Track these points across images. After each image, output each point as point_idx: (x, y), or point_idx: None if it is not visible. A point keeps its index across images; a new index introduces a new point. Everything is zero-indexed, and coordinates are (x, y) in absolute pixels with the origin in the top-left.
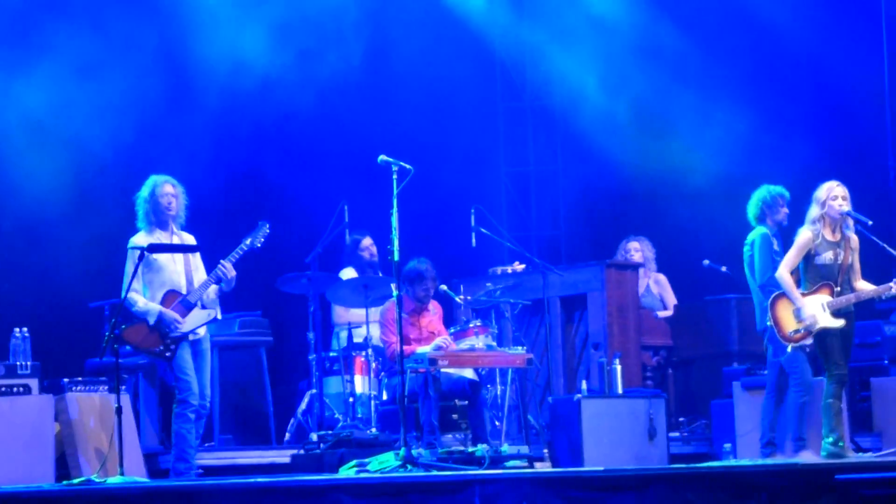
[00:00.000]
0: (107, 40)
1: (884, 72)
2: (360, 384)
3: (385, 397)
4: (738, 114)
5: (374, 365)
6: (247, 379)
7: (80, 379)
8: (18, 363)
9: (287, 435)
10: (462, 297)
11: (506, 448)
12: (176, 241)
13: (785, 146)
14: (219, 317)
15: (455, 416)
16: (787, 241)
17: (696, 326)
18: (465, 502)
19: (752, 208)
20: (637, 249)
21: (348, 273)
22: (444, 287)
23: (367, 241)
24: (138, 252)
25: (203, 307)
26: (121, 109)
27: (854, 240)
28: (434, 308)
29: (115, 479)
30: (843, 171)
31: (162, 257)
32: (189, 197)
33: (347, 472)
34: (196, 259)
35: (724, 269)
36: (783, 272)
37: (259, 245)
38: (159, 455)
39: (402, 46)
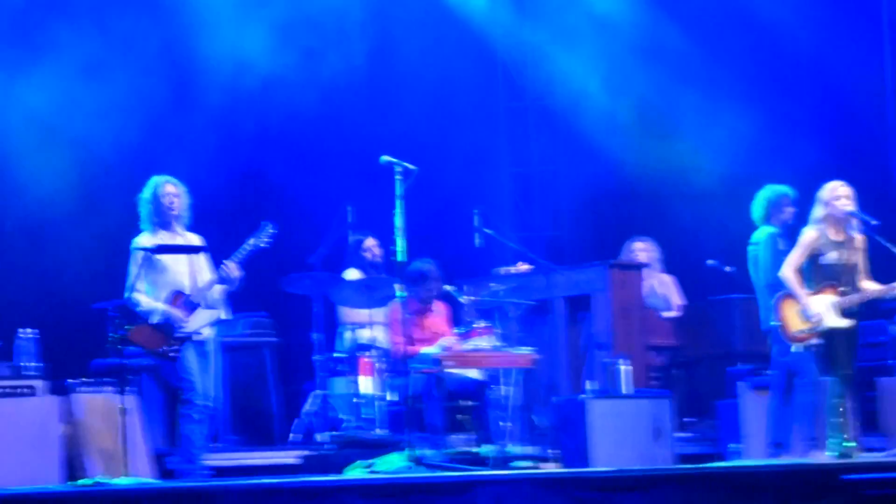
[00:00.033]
0: (110, 40)
1: (886, 71)
2: (366, 385)
3: (391, 398)
4: (742, 114)
5: (378, 365)
6: (253, 379)
7: (85, 380)
8: (24, 364)
9: (293, 436)
10: (467, 297)
11: (512, 448)
12: (181, 241)
13: (788, 146)
14: (227, 316)
15: (461, 417)
16: (793, 242)
17: (700, 327)
18: (471, 503)
19: (757, 208)
20: (643, 250)
21: (351, 274)
22: (448, 288)
23: (369, 242)
24: (141, 253)
25: (208, 307)
26: (124, 110)
27: (859, 240)
28: (439, 308)
29: (122, 480)
30: (846, 170)
31: (166, 258)
32: (193, 197)
33: (354, 472)
34: (201, 259)
35: (728, 269)
36: (787, 271)
37: (264, 245)
38: (166, 456)
39: (404, 47)
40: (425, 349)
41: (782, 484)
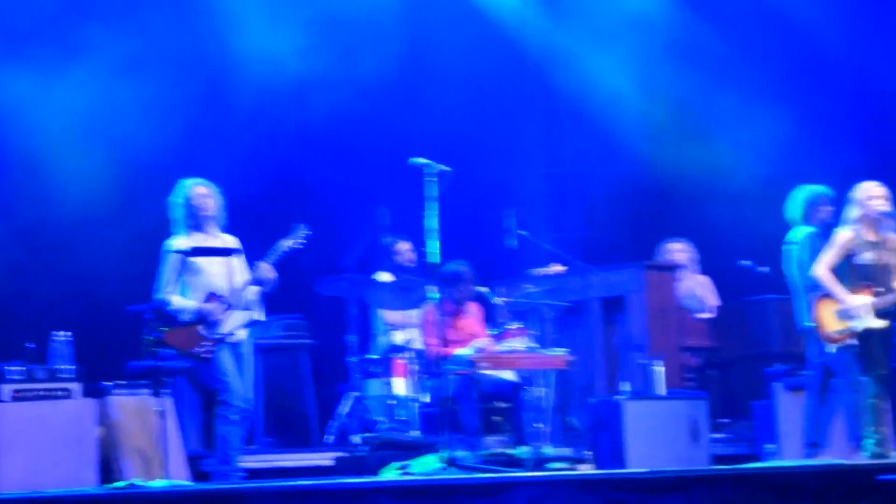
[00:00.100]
0: (144, 40)
1: None
2: (400, 386)
3: (425, 399)
4: (777, 114)
5: (413, 367)
6: (288, 381)
7: (121, 382)
8: (59, 367)
9: (327, 437)
10: (500, 299)
11: (548, 450)
12: (216, 242)
13: (823, 147)
14: (262, 318)
15: (495, 419)
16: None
17: (736, 327)
18: None
19: (795, 209)
20: (680, 251)
21: (383, 277)
22: (483, 289)
23: (403, 246)
24: (175, 255)
25: (243, 309)
26: (158, 111)
27: (894, 240)
28: (472, 310)
29: (158, 483)
30: (881, 171)
31: (201, 260)
32: (227, 199)
33: (389, 474)
34: (236, 261)
35: (762, 269)
36: (822, 270)
37: (298, 247)
38: (202, 458)
39: (437, 48)
40: (459, 350)
41: (818, 484)
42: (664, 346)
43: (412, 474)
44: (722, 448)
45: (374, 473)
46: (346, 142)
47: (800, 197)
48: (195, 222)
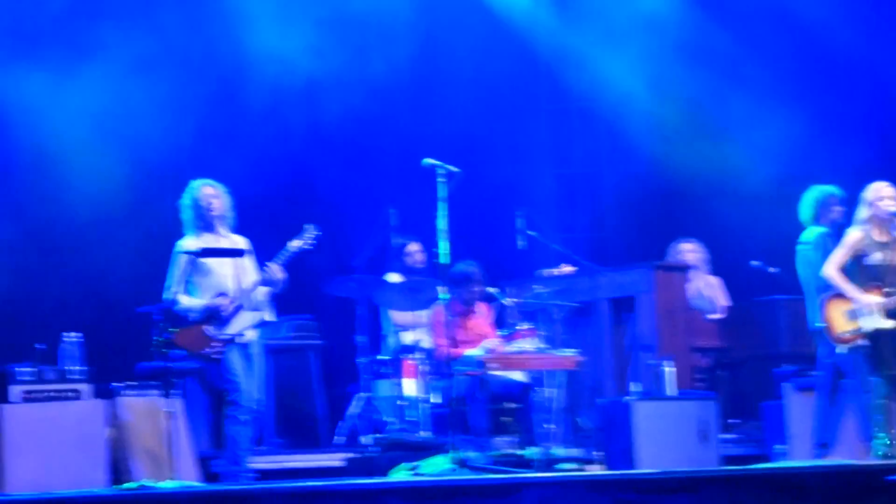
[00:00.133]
0: (156, 40)
1: None
2: (410, 387)
3: (435, 400)
4: (787, 115)
5: (422, 368)
6: (298, 382)
7: (131, 383)
8: (69, 368)
9: (337, 438)
10: (510, 299)
11: (557, 451)
12: (225, 243)
13: (834, 147)
14: (272, 319)
15: (505, 419)
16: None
17: (745, 328)
18: None
19: (805, 209)
20: (690, 251)
21: (393, 278)
22: (493, 290)
23: (412, 247)
24: (184, 256)
25: (252, 309)
26: (169, 112)
27: None
28: (481, 310)
29: (167, 484)
30: (892, 171)
31: (210, 260)
32: (237, 199)
33: (399, 475)
34: (246, 261)
35: (772, 269)
36: (830, 270)
37: (307, 247)
38: (212, 459)
39: (447, 49)
40: (469, 351)
41: (827, 485)
42: (674, 347)
43: (422, 475)
44: (732, 448)
45: (385, 474)
46: (355, 142)
47: (811, 197)
48: (204, 223)
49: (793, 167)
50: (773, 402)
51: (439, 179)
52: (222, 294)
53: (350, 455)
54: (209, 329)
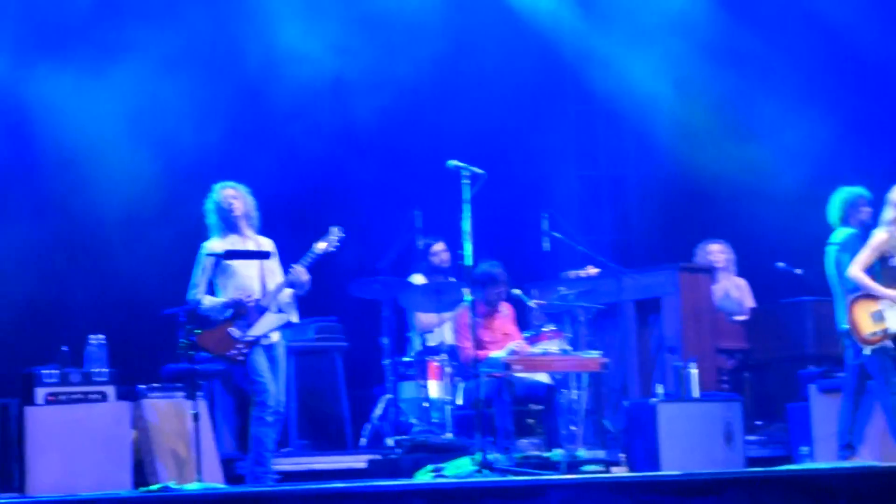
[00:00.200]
0: (181, 41)
1: None
2: (435, 389)
3: (459, 402)
4: (817, 116)
5: (447, 369)
6: (323, 384)
7: (156, 385)
8: (94, 370)
9: (362, 440)
10: (535, 301)
11: (582, 453)
12: (251, 245)
13: (865, 149)
14: (296, 321)
15: (530, 421)
16: None
17: (771, 329)
18: None
19: (834, 211)
20: (718, 251)
21: (417, 279)
22: (517, 291)
23: (438, 247)
24: (210, 258)
25: (277, 311)
26: (195, 114)
27: None
28: (506, 310)
29: (192, 486)
30: None
31: (235, 262)
32: (263, 201)
33: (423, 476)
34: (271, 263)
35: (798, 271)
36: (855, 271)
37: (332, 249)
38: (236, 461)
39: (472, 51)
40: (494, 353)
41: (852, 487)
42: (699, 349)
43: (446, 477)
44: (756, 450)
45: (408, 476)
46: (380, 144)
47: (839, 198)
48: (227, 224)
49: (820, 168)
50: (798, 404)
51: (464, 181)
52: (246, 296)
53: (374, 457)
54: (233, 331)
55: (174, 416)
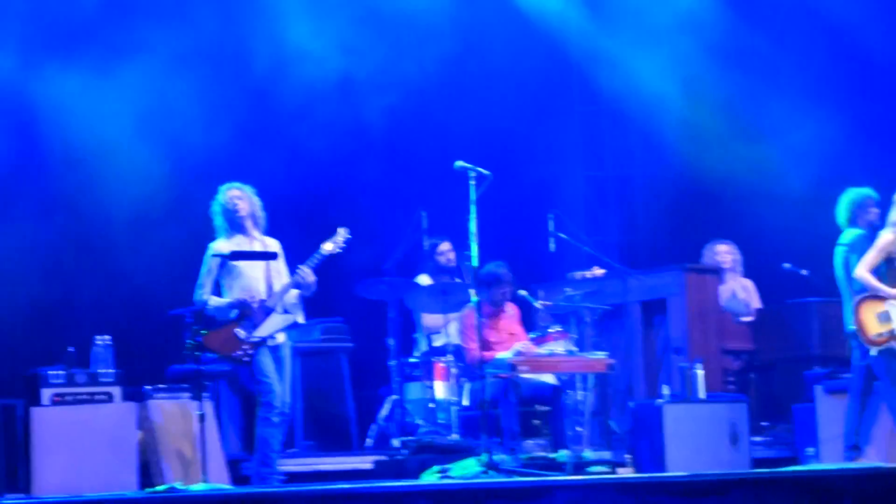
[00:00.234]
0: (189, 41)
1: None
2: (441, 390)
3: (466, 403)
4: (825, 117)
5: (453, 370)
6: (328, 385)
7: (162, 386)
8: (100, 371)
9: (368, 441)
10: (541, 302)
11: (588, 454)
12: (258, 245)
13: (873, 150)
14: (302, 321)
15: (536, 422)
16: None
17: (777, 330)
18: None
19: (842, 212)
20: (727, 252)
21: (424, 280)
22: (523, 292)
23: (445, 246)
24: (215, 258)
25: (283, 312)
26: (202, 114)
27: None
28: (511, 310)
29: (198, 486)
30: None
31: (241, 263)
32: (269, 202)
33: (429, 477)
34: (277, 264)
35: (804, 272)
36: (862, 272)
37: (339, 251)
38: (242, 461)
39: (478, 51)
40: (500, 354)
41: (858, 488)
42: (705, 350)
43: (452, 478)
44: (762, 451)
45: (415, 477)
46: (386, 145)
47: (847, 199)
48: (233, 225)
49: (828, 169)
50: (804, 405)
51: (470, 182)
52: (252, 296)
53: (380, 458)
54: (239, 332)
55: (180, 417)
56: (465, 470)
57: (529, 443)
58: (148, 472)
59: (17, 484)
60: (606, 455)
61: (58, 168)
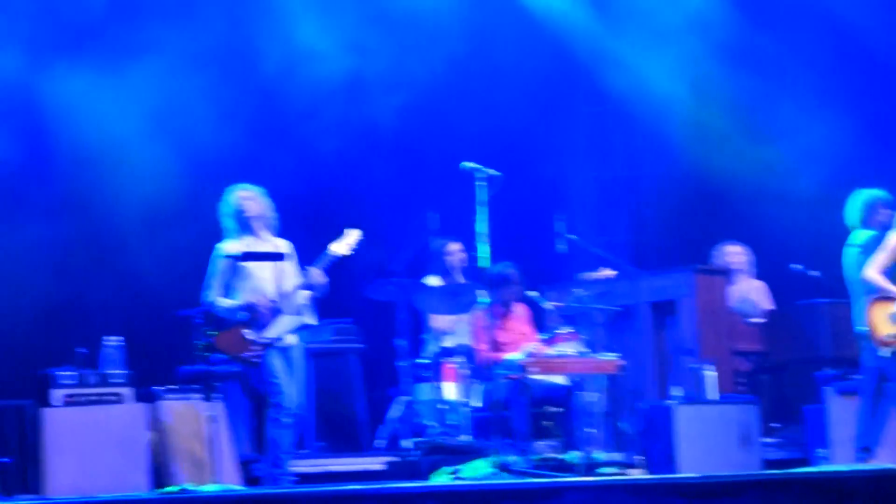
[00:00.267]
0: (195, 41)
1: None
2: (451, 391)
3: (477, 404)
4: (836, 118)
5: (463, 371)
6: (339, 386)
7: (173, 387)
8: (111, 372)
9: (379, 442)
10: (551, 303)
11: (598, 455)
12: (267, 246)
13: (884, 151)
14: (313, 322)
15: (546, 423)
16: None
17: (788, 331)
18: None
19: (853, 213)
20: (737, 254)
21: (432, 280)
22: (533, 294)
23: (454, 247)
24: (224, 259)
25: (293, 313)
26: (211, 114)
27: None
28: (520, 310)
29: (209, 487)
30: None
31: (250, 264)
32: (278, 202)
33: (440, 478)
34: (287, 265)
35: (814, 273)
36: (871, 272)
37: (349, 253)
38: (253, 462)
39: (487, 51)
40: (510, 355)
41: (869, 489)
42: (715, 351)
43: (463, 479)
44: (773, 453)
45: (425, 478)
46: (394, 146)
47: (858, 200)
48: (242, 226)
49: (838, 170)
50: (814, 406)
51: (479, 183)
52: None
53: (390, 459)
54: (248, 333)
55: (191, 418)
56: (476, 471)
57: (540, 444)
58: (159, 473)
59: (27, 485)
60: (617, 456)
61: (67, 168)
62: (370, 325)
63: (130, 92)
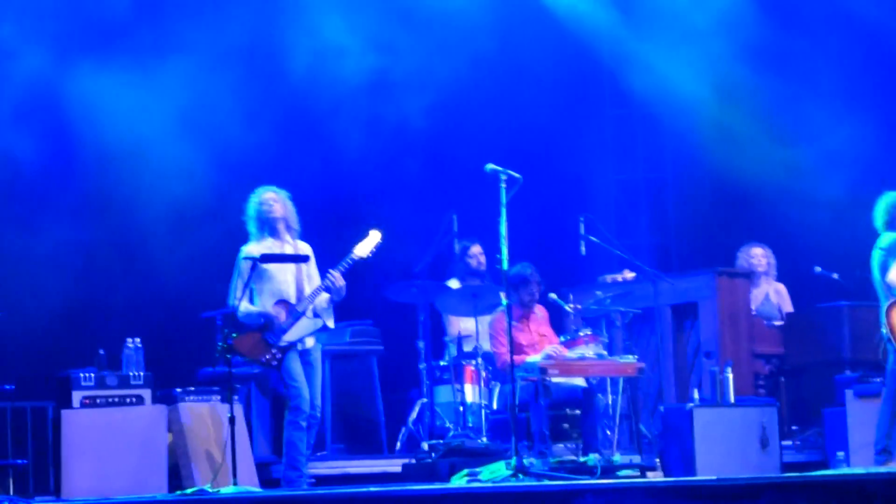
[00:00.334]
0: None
1: None
2: (471, 393)
3: (496, 406)
4: (862, 120)
5: (483, 374)
6: (358, 388)
7: (192, 389)
8: (131, 373)
9: (398, 444)
10: (572, 305)
11: (617, 457)
12: (289, 249)
13: None
14: (331, 325)
15: (566, 426)
16: None
17: (808, 334)
18: None
19: (880, 215)
20: (762, 255)
21: (455, 283)
22: (553, 295)
23: (476, 249)
24: (247, 262)
25: (314, 316)
26: (232, 118)
27: None
28: (540, 311)
29: (227, 489)
30: None
31: (272, 266)
32: (300, 205)
33: (459, 481)
34: (309, 268)
35: (835, 276)
36: (895, 277)
37: (370, 255)
38: (272, 464)
39: (510, 53)
40: (530, 357)
41: (889, 492)
42: (735, 353)
43: (481, 481)
44: (792, 455)
45: (445, 480)
46: (417, 148)
47: (885, 203)
48: (265, 228)
49: (864, 173)
50: (834, 409)
51: (501, 185)
52: (281, 301)
53: (409, 461)
54: (265, 336)
55: (210, 420)
56: (495, 473)
57: (559, 446)
58: (177, 474)
59: (47, 486)
60: (636, 459)
61: (92, 168)
62: (390, 327)
63: (156, 92)
